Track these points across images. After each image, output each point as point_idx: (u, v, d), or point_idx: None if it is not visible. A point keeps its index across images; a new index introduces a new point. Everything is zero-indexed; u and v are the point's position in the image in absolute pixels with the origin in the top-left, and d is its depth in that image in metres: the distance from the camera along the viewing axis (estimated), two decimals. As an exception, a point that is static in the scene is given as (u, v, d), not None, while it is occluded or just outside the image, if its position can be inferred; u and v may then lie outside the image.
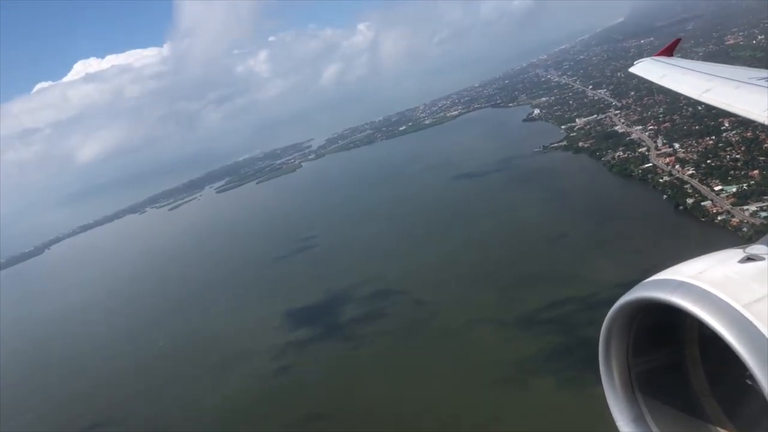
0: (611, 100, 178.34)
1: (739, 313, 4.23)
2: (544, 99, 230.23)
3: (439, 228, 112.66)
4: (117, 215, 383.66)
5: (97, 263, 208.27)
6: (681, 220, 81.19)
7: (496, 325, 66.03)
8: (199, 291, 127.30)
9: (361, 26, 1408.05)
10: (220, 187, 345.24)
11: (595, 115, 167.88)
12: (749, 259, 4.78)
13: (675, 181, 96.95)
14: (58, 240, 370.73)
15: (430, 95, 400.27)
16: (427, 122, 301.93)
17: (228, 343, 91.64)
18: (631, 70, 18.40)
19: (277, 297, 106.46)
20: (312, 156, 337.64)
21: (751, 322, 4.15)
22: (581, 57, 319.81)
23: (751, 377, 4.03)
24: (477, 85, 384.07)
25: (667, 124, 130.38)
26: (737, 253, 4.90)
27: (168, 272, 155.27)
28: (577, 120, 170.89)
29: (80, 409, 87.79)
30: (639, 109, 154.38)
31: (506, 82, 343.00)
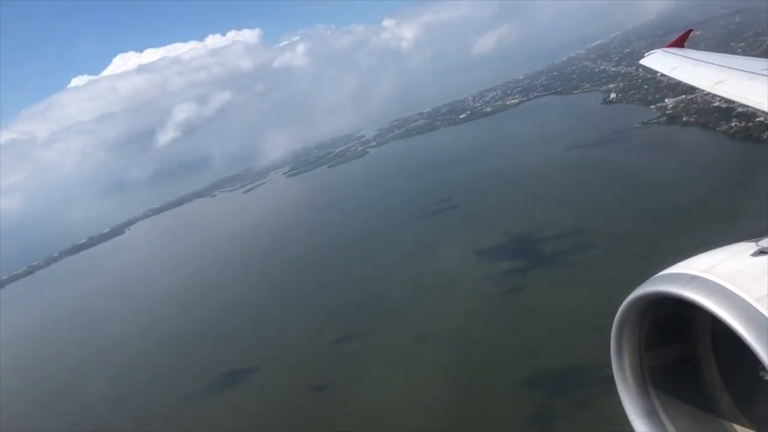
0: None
1: (753, 306, 4.16)
2: (611, 86, 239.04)
3: (590, 186, 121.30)
4: (185, 199, 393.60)
5: (230, 232, 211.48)
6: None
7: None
8: (362, 244, 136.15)
9: (387, 22, 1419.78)
10: (288, 172, 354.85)
11: (683, 95, 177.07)
12: (762, 252, 4.72)
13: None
14: (131, 222, 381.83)
15: (472, 88, 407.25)
16: (487, 110, 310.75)
17: (434, 276, 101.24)
18: (642, 61, 18.15)
19: (452, 242, 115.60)
20: (374, 143, 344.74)
21: (764, 316, 4.07)
22: (627, 50, 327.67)
23: (766, 371, 4.06)
24: (522, 77, 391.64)
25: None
26: (750, 247, 4.87)
27: (315, 233, 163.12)
28: (666, 100, 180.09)
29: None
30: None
31: (554, 73, 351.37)
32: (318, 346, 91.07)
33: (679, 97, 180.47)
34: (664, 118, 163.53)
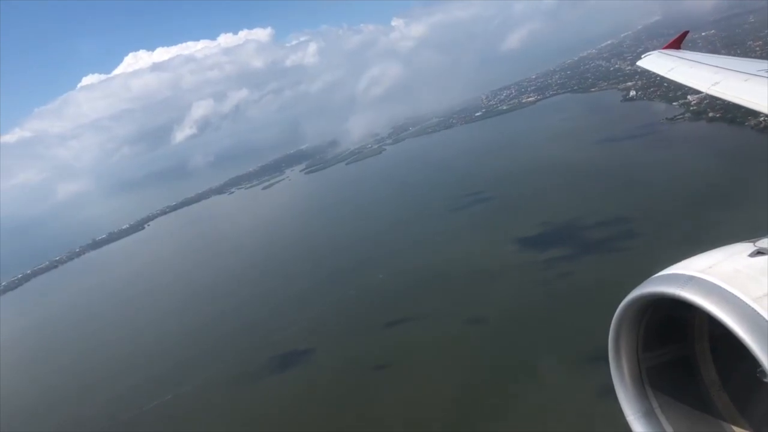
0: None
1: (750, 307, 4.15)
2: (630, 83, 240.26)
3: (625, 177, 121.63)
4: (202, 196, 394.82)
5: (256, 225, 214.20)
6: None
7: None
8: (399, 237, 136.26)
9: (396, 22, 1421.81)
10: (304, 169, 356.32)
11: (705, 92, 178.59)
12: (759, 252, 4.72)
13: None
14: (150, 218, 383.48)
15: (484, 87, 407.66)
16: (504, 108, 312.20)
17: (479, 264, 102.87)
18: (639, 63, 18.15)
19: (492, 232, 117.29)
20: (389, 141, 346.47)
21: (761, 316, 4.06)
22: (640, 49, 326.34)
23: (763, 372, 3.99)
24: (534, 76, 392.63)
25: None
26: (747, 247, 4.87)
27: (347, 226, 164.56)
28: (688, 96, 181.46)
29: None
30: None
31: (568, 72, 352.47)
32: (372, 328, 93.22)
33: (702, 93, 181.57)
34: (689, 114, 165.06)
